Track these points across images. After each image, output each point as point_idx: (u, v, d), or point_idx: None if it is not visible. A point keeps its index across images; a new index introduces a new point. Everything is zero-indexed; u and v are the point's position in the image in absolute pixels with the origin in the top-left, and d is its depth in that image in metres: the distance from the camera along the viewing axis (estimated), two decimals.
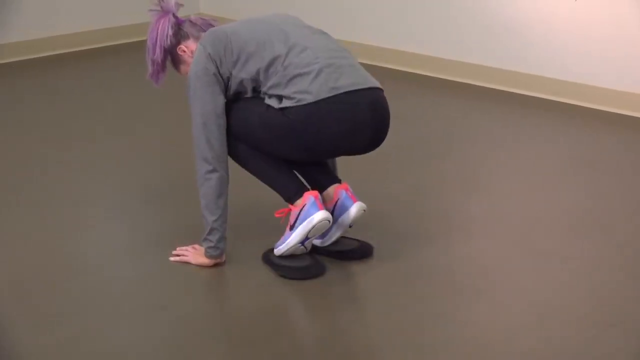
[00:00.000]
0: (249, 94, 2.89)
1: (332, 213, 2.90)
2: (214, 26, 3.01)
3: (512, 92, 4.95)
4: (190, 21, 3.01)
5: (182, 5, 3.02)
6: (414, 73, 5.31)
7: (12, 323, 2.66)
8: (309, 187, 2.93)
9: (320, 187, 2.95)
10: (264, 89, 2.83)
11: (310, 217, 2.81)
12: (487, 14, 5.02)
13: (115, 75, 5.44)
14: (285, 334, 2.63)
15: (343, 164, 3.15)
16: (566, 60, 4.75)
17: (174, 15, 2.97)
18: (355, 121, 2.79)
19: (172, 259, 3.00)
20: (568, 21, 4.71)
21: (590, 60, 4.67)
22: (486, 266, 3.01)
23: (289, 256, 2.91)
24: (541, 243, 3.15)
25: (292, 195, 2.87)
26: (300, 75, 2.76)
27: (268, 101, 2.81)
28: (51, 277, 2.92)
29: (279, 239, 2.92)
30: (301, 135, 2.78)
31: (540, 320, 2.65)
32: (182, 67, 3.01)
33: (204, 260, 2.94)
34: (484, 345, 2.54)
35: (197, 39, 2.96)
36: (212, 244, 2.91)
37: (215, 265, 2.95)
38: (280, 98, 2.79)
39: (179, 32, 2.98)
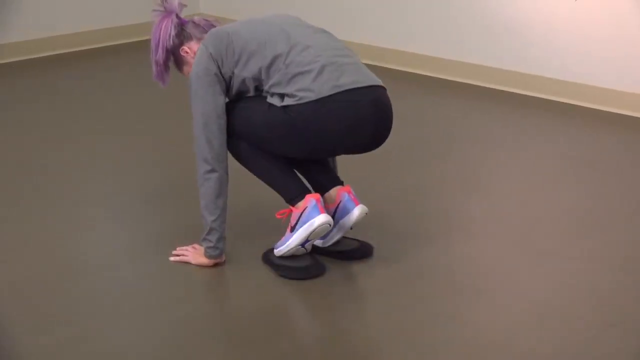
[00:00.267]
0: (252, 94, 2.89)
1: (333, 215, 2.90)
2: (216, 27, 3.01)
3: (512, 92, 4.95)
4: (194, 22, 3.01)
5: (185, 5, 3.02)
6: (414, 73, 5.31)
7: (12, 323, 2.66)
8: (310, 188, 2.93)
9: (322, 189, 2.95)
10: (265, 87, 2.83)
11: (311, 221, 2.81)
12: (487, 14, 5.02)
13: (115, 75, 5.44)
14: (285, 334, 2.63)
15: (343, 164, 3.15)
16: (566, 60, 4.75)
17: (177, 16, 2.97)
18: (357, 118, 2.79)
19: (172, 258, 3.00)
20: (568, 21, 4.71)
21: (590, 60, 4.67)
22: (486, 266, 3.01)
23: (289, 256, 2.91)
24: (541, 243, 3.15)
25: (293, 197, 2.87)
26: (302, 73, 2.76)
27: (270, 100, 2.81)
28: (51, 277, 2.92)
29: (278, 239, 2.92)
30: (303, 133, 2.78)
31: (540, 320, 2.65)
32: (185, 68, 3.01)
33: (204, 260, 2.94)
34: (484, 345, 2.54)
35: (199, 40, 2.95)
36: (211, 244, 2.91)
37: (215, 265, 2.95)
38: (282, 96, 2.79)
39: (182, 33, 2.98)
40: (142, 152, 4.09)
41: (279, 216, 2.92)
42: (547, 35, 4.81)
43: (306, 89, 2.74)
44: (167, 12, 2.97)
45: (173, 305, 2.76)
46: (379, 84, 2.86)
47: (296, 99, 2.75)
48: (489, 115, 4.67)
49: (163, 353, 2.52)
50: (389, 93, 2.92)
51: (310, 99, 2.74)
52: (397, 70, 5.37)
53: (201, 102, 2.84)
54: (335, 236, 2.97)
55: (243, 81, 2.86)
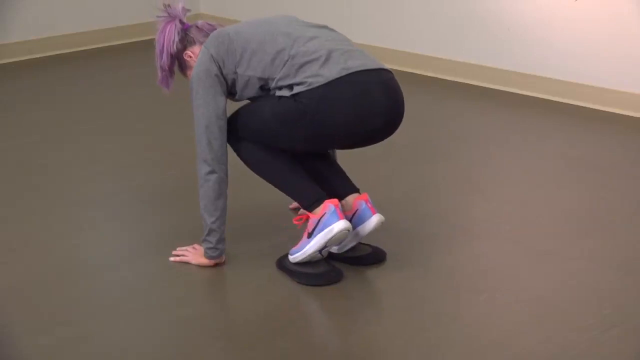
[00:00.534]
0: (256, 92, 2.88)
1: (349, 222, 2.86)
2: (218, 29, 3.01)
3: (512, 92, 4.94)
4: (197, 26, 3.01)
5: (189, 10, 3.03)
6: (413, 73, 5.31)
7: (12, 323, 2.66)
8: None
9: (338, 196, 2.91)
10: (272, 84, 2.82)
11: (330, 227, 2.77)
12: (487, 14, 5.02)
13: (115, 75, 5.43)
14: (285, 334, 2.62)
15: (343, 164, 3.15)
16: (566, 60, 4.75)
17: (180, 21, 2.98)
18: (368, 100, 2.78)
19: (172, 259, 3.00)
20: (568, 21, 4.71)
21: (590, 60, 4.66)
22: (486, 266, 3.01)
23: (305, 262, 2.87)
24: (541, 243, 3.15)
25: (311, 203, 2.83)
26: (309, 62, 2.76)
27: (279, 93, 2.81)
28: (51, 278, 2.92)
29: (279, 239, 2.92)
30: (314, 119, 2.75)
31: (541, 320, 2.65)
32: (189, 72, 3.01)
33: (204, 260, 2.94)
34: (484, 345, 2.53)
35: (202, 44, 2.96)
36: (211, 245, 2.91)
37: (215, 265, 2.95)
38: (291, 87, 2.78)
39: (186, 38, 2.99)
40: (142, 152, 4.08)
41: (295, 221, 2.88)
42: (547, 35, 4.80)
43: (315, 75, 2.74)
44: (171, 18, 2.98)
45: (173, 305, 2.76)
46: (386, 68, 2.88)
47: (305, 85, 2.74)
48: (489, 116, 4.67)
49: (163, 353, 2.52)
50: None
51: (320, 83, 2.73)
52: (397, 71, 5.33)
53: (202, 104, 2.84)
54: (350, 243, 2.94)
55: (248, 81, 2.85)
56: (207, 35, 2.98)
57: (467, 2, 5.10)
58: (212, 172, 2.84)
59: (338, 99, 2.74)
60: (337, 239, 2.81)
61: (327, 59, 2.77)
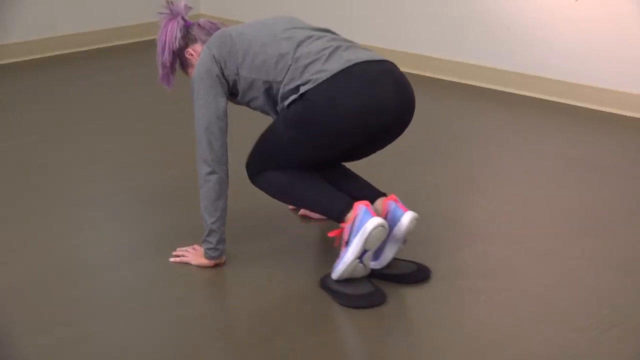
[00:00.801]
0: (262, 99, 2.87)
1: None
2: (220, 29, 3.01)
3: (512, 93, 4.95)
4: (199, 25, 3.01)
5: (191, 8, 3.03)
6: (413, 73, 5.31)
7: (12, 323, 2.66)
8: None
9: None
10: (280, 90, 2.80)
11: (364, 226, 2.66)
12: (487, 14, 5.02)
13: (115, 76, 5.43)
14: (285, 335, 2.62)
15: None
16: (566, 60, 4.75)
17: (182, 18, 2.98)
18: (376, 86, 2.75)
19: (172, 259, 3.00)
20: (568, 21, 4.71)
21: (590, 60, 4.67)
22: (486, 266, 3.01)
23: (349, 282, 2.74)
24: (541, 243, 3.15)
25: (342, 211, 2.74)
26: (312, 62, 2.75)
27: (288, 102, 2.80)
28: (51, 278, 2.92)
29: (279, 239, 2.92)
30: (326, 114, 2.72)
31: (541, 320, 2.65)
32: (190, 70, 3.01)
33: (204, 261, 2.94)
34: (484, 345, 2.54)
35: (204, 42, 2.96)
36: (211, 246, 2.91)
37: (216, 266, 2.95)
38: (297, 88, 2.77)
39: (188, 36, 2.98)
40: (142, 152, 4.08)
41: (331, 236, 2.78)
42: (547, 36, 4.81)
43: (319, 71, 2.73)
44: (173, 15, 2.98)
45: (173, 305, 2.76)
46: (390, 61, 2.87)
47: (311, 82, 2.73)
48: (489, 116, 4.67)
49: (163, 353, 2.52)
50: None
51: (325, 78, 2.72)
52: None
53: (203, 104, 2.84)
54: (389, 251, 2.81)
55: (252, 83, 2.85)
56: (209, 33, 2.98)
57: (467, 2, 5.10)
58: (212, 172, 2.84)
59: (346, 87, 2.72)
60: (374, 239, 2.68)
61: (330, 55, 2.76)
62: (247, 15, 5.55)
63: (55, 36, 5.84)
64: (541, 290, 2.83)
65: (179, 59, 3.00)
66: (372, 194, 2.87)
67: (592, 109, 4.64)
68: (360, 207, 2.70)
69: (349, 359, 2.52)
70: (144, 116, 4.63)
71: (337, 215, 2.76)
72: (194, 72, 2.90)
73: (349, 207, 2.73)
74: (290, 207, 3.37)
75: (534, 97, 4.86)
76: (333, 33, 2.93)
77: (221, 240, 2.91)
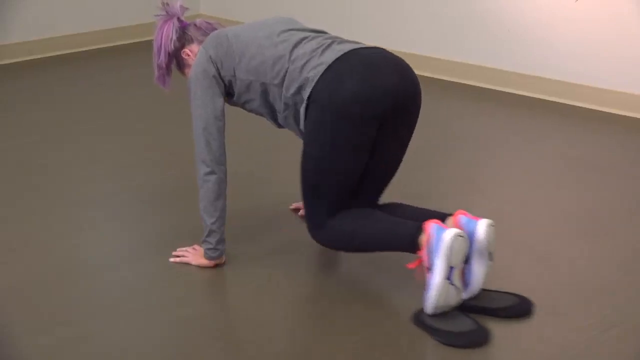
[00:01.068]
0: (259, 101, 2.86)
1: None
2: (217, 30, 3.01)
3: (512, 93, 4.95)
4: (195, 25, 3.01)
5: (187, 9, 3.02)
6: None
7: (12, 323, 2.66)
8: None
9: None
10: (284, 94, 2.77)
11: (441, 239, 2.49)
12: (487, 14, 5.03)
13: (115, 76, 5.44)
14: (285, 335, 2.63)
15: None
16: (566, 60, 4.75)
17: (178, 19, 2.97)
18: (372, 64, 2.71)
19: (172, 259, 3.00)
20: (568, 21, 4.72)
21: (590, 61, 4.67)
22: None
23: (446, 317, 2.56)
24: (541, 244, 3.15)
25: (413, 236, 2.57)
26: (308, 60, 2.73)
27: (302, 111, 2.75)
28: (51, 278, 2.92)
29: (279, 239, 2.92)
30: (335, 106, 2.65)
31: (541, 320, 2.65)
32: (187, 71, 3.01)
33: (204, 261, 2.94)
34: (484, 346, 2.53)
35: (201, 42, 2.96)
36: (211, 246, 2.91)
37: (216, 266, 2.95)
38: (299, 90, 2.74)
39: (184, 36, 2.98)
40: (142, 152, 4.09)
41: (410, 267, 2.62)
42: (547, 36, 4.81)
43: (316, 66, 2.71)
44: (169, 16, 2.97)
45: (173, 305, 2.76)
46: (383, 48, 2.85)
47: (310, 80, 2.70)
48: (489, 116, 4.67)
49: (163, 353, 2.52)
50: None
51: (322, 71, 2.68)
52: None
53: (200, 104, 2.84)
54: (479, 270, 2.61)
55: (249, 85, 2.84)
56: (205, 33, 2.98)
57: (467, 2, 5.10)
58: (211, 172, 2.84)
59: (343, 71, 2.67)
60: (457, 251, 2.49)
61: (324, 50, 2.74)
62: (247, 15, 5.56)
63: (55, 36, 5.84)
64: (540, 290, 2.83)
65: (176, 59, 3.00)
66: (437, 216, 2.68)
67: (591, 109, 4.65)
68: (431, 225, 2.54)
69: (349, 359, 2.52)
70: (144, 116, 4.63)
71: (409, 242, 2.59)
72: (190, 72, 2.89)
73: (419, 231, 2.57)
74: (291, 206, 3.37)
75: (534, 97, 4.86)
76: (328, 34, 2.92)
77: (221, 241, 2.91)
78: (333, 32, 3.01)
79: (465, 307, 2.62)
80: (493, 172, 3.90)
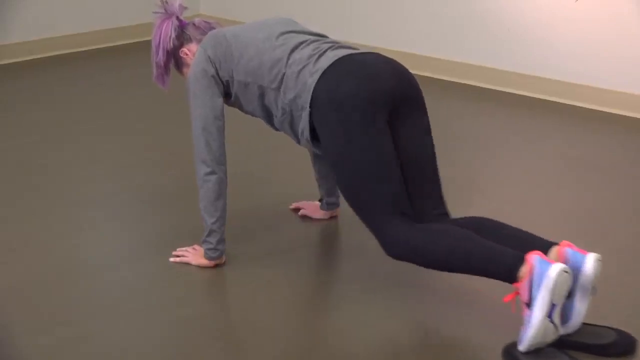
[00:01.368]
0: (255, 102, 2.85)
1: None
2: (216, 29, 3.01)
3: (512, 93, 4.95)
4: (194, 24, 3.01)
5: (186, 8, 3.02)
6: (413, 73, 5.31)
7: (12, 323, 2.66)
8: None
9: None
10: (282, 98, 2.75)
11: (546, 274, 2.31)
12: (487, 14, 5.03)
13: (115, 76, 5.44)
14: (286, 335, 2.63)
15: None
16: (566, 60, 4.75)
17: (177, 18, 2.97)
18: (366, 64, 2.68)
19: (172, 259, 3.00)
20: (568, 21, 4.72)
21: (590, 61, 4.67)
22: None
23: (541, 354, 2.39)
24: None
25: (512, 267, 2.39)
26: (304, 67, 2.71)
27: (295, 114, 2.73)
28: (51, 278, 2.92)
29: (279, 239, 2.92)
30: (337, 99, 2.61)
31: None
32: (185, 70, 3.01)
33: (204, 261, 2.94)
34: (484, 346, 2.54)
35: (199, 42, 2.95)
36: (211, 246, 2.91)
37: (216, 266, 2.95)
38: (295, 98, 2.70)
39: (182, 35, 2.98)
40: (142, 152, 4.09)
41: (506, 301, 2.44)
42: (547, 36, 4.81)
43: (311, 74, 2.68)
44: (168, 15, 2.97)
45: (173, 305, 2.76)
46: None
47: (307, 88, 2.67)
48: (489, 116, 4.67)
49: (163, 353, 2.52)
50: None
51: (317, 78, 2.65)
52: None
53: (199, 104, 2.84)
54: (581, 306, 2.45)
55: (246, 87, 2.83)
56: (204, 33, 2.97)
57: (466, 2, 5.10)
58: (211, 172, 2.84)
59: (340, 73, 2.64)
60: (560, 287, 2.32)
61: (319, 57, 2.72)
62: (247, 15, 5.56)
63: (55, 36, 5.84)
64: None
65: (174, 58, 3.00)
66: (543, 246, 2.49)
67: (592, 109, 4.65)
68: (534, 257, 2.36)
69: (350, 359, 2.52)
70: (144, 116, 4.63)
71: (507, 272, 2.40)
72: (189, 72, 2.89)
73: (520, 262, 2.38)
74: (291, 206, 3.37)
75: (534, 97, 4.86)
76: (327, 37, 2.91)
77: (221, 241, 2.91)
78: (333, 32, 3.02)
79: (564, 344, 2.45)
80: (493, 172, 3.90)
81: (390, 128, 2.67)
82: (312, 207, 3.32)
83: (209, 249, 2.91)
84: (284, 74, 2.74)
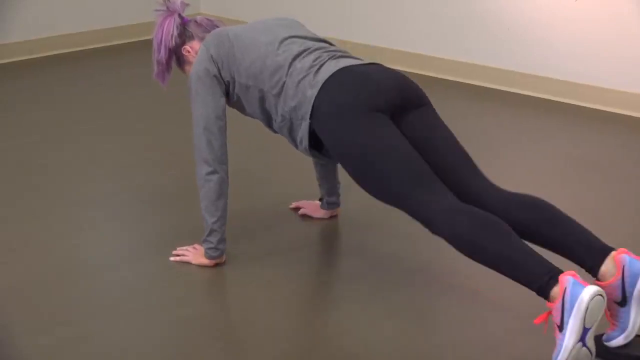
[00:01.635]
0: (255, 104, 2.84)
1: (623, 289, 2.34)
2: (219, 27, 3.00)
3: (513, 92, 4.94)
4: (196, 22, 3.00)
5: (188, 5, 3.02)
6: (413, 73, 5.30)
7: (12, 323, 2.66)
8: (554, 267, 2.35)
9: (591, 268, 2.41)
10: (282, 105, 2.73)
11: (578, 298, 2.21)
12: (487, 14, 5.02)
13: (115, 75, 5.43)
14: (286, 335, 2.62)
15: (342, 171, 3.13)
16: (566, 60, 4.75)
17: (179, 15, 2.97)
18: (370, 77, 2.66)
19: (172, 258, 3.00)
20: (568, 21, 4.71)
21: (591, 61, 4.67)
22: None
23: None
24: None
25: (545, 285, 2.29)
26: (304, 77, 2.70)
27: (294, 122, 2.72)
28: (51, 278, 2.92)
29: (279, 239, 2.91)
30: (337, 104, 2.61)
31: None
32: (187, 68, 3.00)
33: (204, 260, 2.94)
34: (484, 346, 2.53)
35: (202, 39, 2.94)
36: (212, 245, 2.90)
37: (216, 265, 2.95)
38: (295, 108, 2.69)
39: (184, 33, 2.97)
40: (142, 152, 4.08)
41: (537, 322, 2.35)
42: (547, 35, 4.81)
43: (311, 86, 2.66)
44: (170, 12, 2.97)
45: (173, 305, 2.76)
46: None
47: (307, 102, 2.66)
48: (489, 116, 4.66)
49: (163, 353, 2.52)
50: None
51: (318, 89, 2.64)
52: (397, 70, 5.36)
53: (201, 103, 2.83)
54: (636, 318, 2.35)
55: (247, 89, 2.82)
56: (206, 30, 2.97)
57: (467, 2, 5.10)
58: (213, 172, 2.84)
59: (339, 86, 2.63)
60: (594, 312, 2.23)
61: (319, 68, 2.70)
62: (247, 14, 5.55)
63: (55, 35, 5.84)
64: None
65: (176, 56, 2.99)
66: (598, 253, 2.41)
67: (595, 109, 4.64)
68: (567, 279, 2.26)
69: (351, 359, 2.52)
70: (144, 116, 4.62)
71: (537, 287, 2.33)
72: (191, 70, 2.89)
73: (553, 281, 2.29)
74: (291, 206, 3.37)
75: (535, 97, 4.86)
76: (330, 44, 2.89)
77: (222, 240, 2.91)
78: (333, 32, 3.01)
79: (619, 356, 2.37)
80: (497, 172, 3.87)
81: (399, 127, 2.65)
82: (313, 207, 3.32)
83: (210, 248, 2.91)
84: (284, 82, 2.73)
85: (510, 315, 2.70)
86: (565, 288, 2.24)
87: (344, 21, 5.59)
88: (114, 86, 5.20)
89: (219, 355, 2.53)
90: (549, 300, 2.30)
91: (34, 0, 5.70)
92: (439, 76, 5.24)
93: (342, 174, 3.10)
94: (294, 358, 2.50)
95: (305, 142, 2.71)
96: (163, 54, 2.95)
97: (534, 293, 2.78)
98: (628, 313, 2.35)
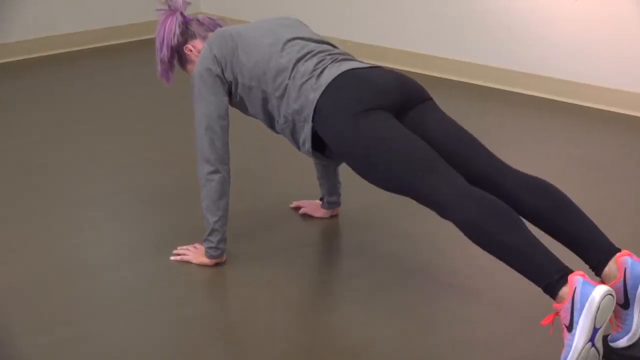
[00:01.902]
0: (257, 105, 2.84)
1: (625, 292, 2.32)
2: (221, 26, 3.00)
3: (513, 92, 4.94)
4: (198, 20, 3.00)
5: (189, 3, 3.02)
6: (414, 72, 5.30)
7: (12, 323, 2.66)
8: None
9: (595, 267, 2.41)
10: (284, 107, 2.73)
11: (589, 298, 2.19)
12: (487, 13, 5.02)
13: (115, 75, 5.43)
14: (286, 334, 2.62)
15: (342, 171, 3.13)
16: (566, 59, 4.75)
17: (181, 14, 2.97)
18: (370, 80, 2.66)
19: (172, 258, 3.00)
20: (568, 21, 4.71)
21: (591, 60, 4.66)
22: (487, 266, 3.00)
23: None
24: (544, 242, 3.14)
25: (553, 284, 2.28)
26: (307, 80, 2.69)
27: (297, 124, 2.72)
28: (51, 278, 2.92)
29: (279, 239, 2.91)
30: (338, 105, 2.61)
31: (542, 320, 2.64)
32: (189, 67, 3.00)
33: (205, 259, 2.94)
34: (484, 346, 2.53)
35: (204, 38, 2.95)
36: (212, 245, 2.90)
37: (216, 264, 2.94)
38: (298, 111, 2.69)
39: (186, 31, 2.97)
40: (142, 152, 4.08)
41: (545, 324, 2.34)
42: (547, 35, 4.80)
43: (314, 89, 2.66)
44: (172, 11, 2.97)
45: (173, 305, 2.75)
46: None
47: (309, 105, 2.65)
48: (489, 116, 4.66)
49: (163, 353, 2.52)
50: None
51: (320, 92, 2.63)
52: (397, 71, 5.35)
53: (204, 102, 2.83)
54: (632, 323, 2.34)
55: (250, 90, 2.82)
56: (208, 29, 2.97)
57: (467, 2, 5.10)
58: (215, 172, 2.83)
59: (341, 89, 2.64)
60: (604, 312, 2.21)
61: (322, 71, 2.69)
62: (248, 14, 5.56)
63: (55, 35, 5.84)
64: (542, 290, 2.82)
65: (178, 54, 2.99)
66: (602, 253, 2.41)
67: (597, 109, 4.64)
68: (577, 279, 2.24)
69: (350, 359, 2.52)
70: (144, 116, 4.62)
71: (545, 285, 2.31)
72: (194, 70, 2.89)
73: (562, 281, 2.27)
74: (291, 205, 3.36)
75: (535, 96, 4.85)
76: (333, 46, 2.88)
77: (222, 240, 2.91)
78: (333, 32, 3.01)
79: (622, 358, 2.36)
80: None
81: (403, 124, 2.65)
82: (313, 206, 3.32)
83: (210, 248, 2.91)
84: (287, 85, 2.73)
85: (510, 315, 2.70)
86: (575, 288, 2.23)
87: (344, 21, 5.59)
88: (113, 86, 5.19)
89: (219, 355, 2.52)
90: (555, 301, 2.28)
91: (34, 0, 5.70)
92: (441, 76, 5.24)
93: (343, 174, 3.10)
94: (294, 358, 2.50)
95: (308, 145, 2.71)
96: (166, 52, 2.95)
97: (534, 293, 2.78)
98: (631, 315, 2.34)
